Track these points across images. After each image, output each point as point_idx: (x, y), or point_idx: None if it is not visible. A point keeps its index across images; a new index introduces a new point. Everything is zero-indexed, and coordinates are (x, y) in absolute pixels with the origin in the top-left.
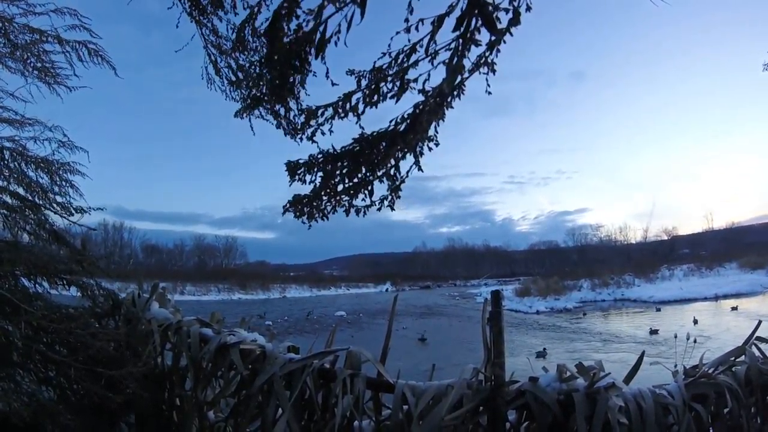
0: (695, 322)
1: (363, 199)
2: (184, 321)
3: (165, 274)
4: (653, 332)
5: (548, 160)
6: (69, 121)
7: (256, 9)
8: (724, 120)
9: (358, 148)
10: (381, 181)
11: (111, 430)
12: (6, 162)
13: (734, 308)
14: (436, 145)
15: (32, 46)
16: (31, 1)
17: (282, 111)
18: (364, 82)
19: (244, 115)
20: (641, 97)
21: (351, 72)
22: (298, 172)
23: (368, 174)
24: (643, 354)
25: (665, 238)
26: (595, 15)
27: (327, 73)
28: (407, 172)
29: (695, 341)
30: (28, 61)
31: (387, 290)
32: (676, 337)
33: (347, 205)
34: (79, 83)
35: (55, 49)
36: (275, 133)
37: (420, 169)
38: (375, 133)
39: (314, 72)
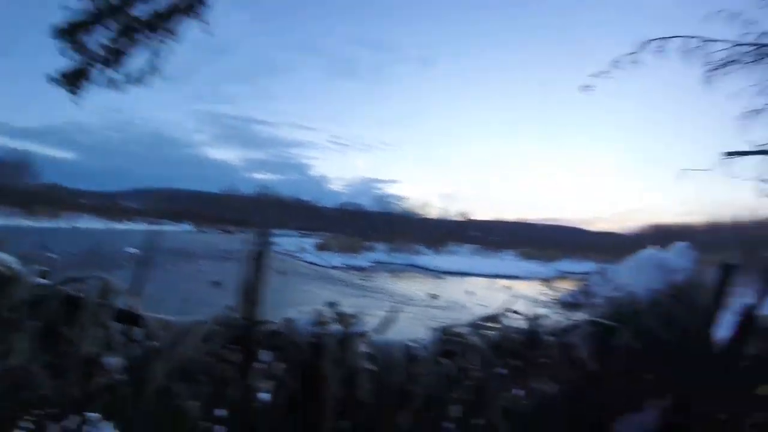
0: (471, 293)
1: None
2: None
3: None
4: (433, 296)
5: (375, 130)
6: None
7: None
8: (532, 127)
9: None
10: None
11: None
12: None
13: (507, 287)
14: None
15: None
16: None
17: None
18: None
19: None
20: (472, 92)
21: None
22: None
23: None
24: (397, 307)
25: (461, 219)
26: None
27: None
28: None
29: (466, 307)
30: None
31: (188, 230)
32: (449, 301)
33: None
34: None
35: None
36: None
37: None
38: None
39: None
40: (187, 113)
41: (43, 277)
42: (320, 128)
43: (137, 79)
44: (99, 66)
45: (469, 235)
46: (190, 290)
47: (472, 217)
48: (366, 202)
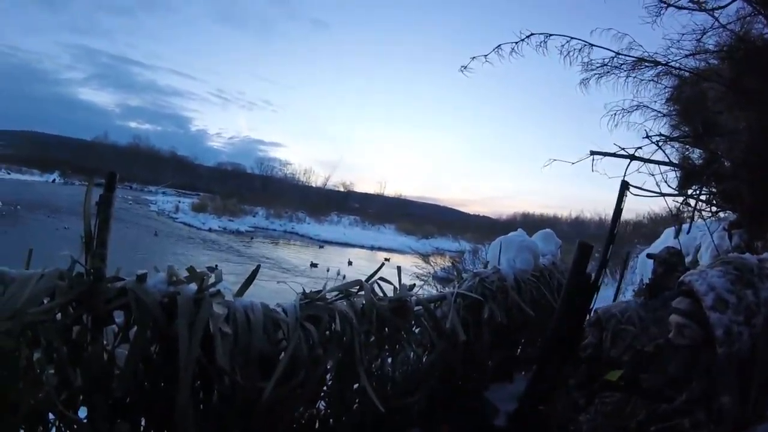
0: (350, 263)
1: None
2: None
3: None
4: (313, 265)
5: (260, 87)
6: None
7: None
8: (415, 106)
9: None
10: None
11: None
12: None
13: (387, 260)
14: None
15: None
16: None
17: None
18: None
19: None
20: (361, 64)
21: None
22: None
23: None
24: (258, 267)
25: (342, 189)
26: None
27: None
28: None
29: (344, 277)
30: None
31: (54, 181)
32: (328, 270)
33: None
34: None
35: None
36: None
37: None
38: None
39: None
40: (60, 46)
41: None
42: (201, 78)
43: None
44: None
45: (350, 206)
46: (52, 247)
47: (354, 189)
48: (247, 164)
